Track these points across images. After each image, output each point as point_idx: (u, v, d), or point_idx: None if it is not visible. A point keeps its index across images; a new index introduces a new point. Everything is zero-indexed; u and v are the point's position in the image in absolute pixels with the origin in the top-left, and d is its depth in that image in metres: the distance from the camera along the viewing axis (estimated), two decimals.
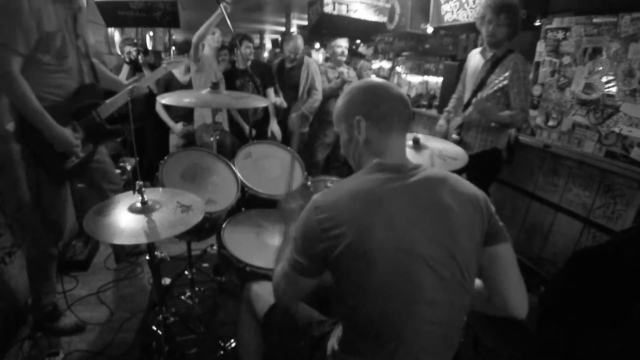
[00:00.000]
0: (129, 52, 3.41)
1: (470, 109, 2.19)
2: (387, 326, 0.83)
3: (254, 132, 2.65)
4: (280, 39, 9.16)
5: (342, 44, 3.42)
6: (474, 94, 2.21)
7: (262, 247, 1.57)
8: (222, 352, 1.69)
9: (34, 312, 1.83)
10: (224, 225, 1.66)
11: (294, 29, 8.59)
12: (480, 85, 2.18)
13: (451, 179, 0.90)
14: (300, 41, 3.27)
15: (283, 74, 3.38)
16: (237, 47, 2.93)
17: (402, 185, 0.86)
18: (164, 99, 1.70)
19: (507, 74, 1.98)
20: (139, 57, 3.40)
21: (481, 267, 0.91)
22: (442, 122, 2.43)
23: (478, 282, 0.96)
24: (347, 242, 0.81)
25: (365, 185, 0.87)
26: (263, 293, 1.23)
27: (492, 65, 2.12)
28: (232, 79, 3.11)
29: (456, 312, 0.88)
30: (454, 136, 2.30)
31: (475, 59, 2.28)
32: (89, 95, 1.60)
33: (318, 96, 3.32)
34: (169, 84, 3.13)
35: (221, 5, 2.17)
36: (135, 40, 3.61)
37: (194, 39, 2.64)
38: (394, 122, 0.92)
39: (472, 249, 0.86)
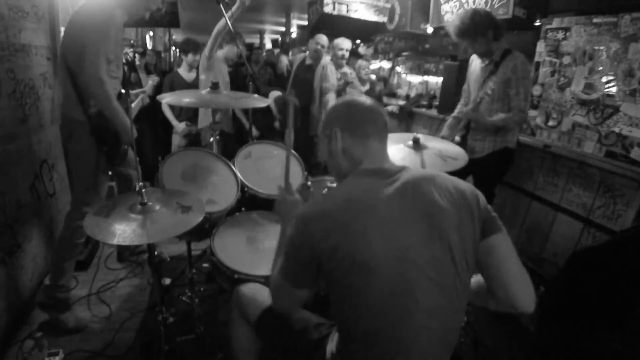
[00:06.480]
0: (125, 53, 3.39)
1: (470, 106, 2.20)
2: (385, 335, 0.82)
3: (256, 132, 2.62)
4: (280, 39, 9.15)
5: (344, 46, 3.31)
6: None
7: (252, 252, 1.56)
8: (222, 352, 1.69)
9: (47, 295, 1.84)
10: (214, 231, 1.65)
11: (294, 29, 8.59)
12: (483, 87, 2.18)
13: (438, 178, 0.90)
14: (324, 39, 3.17)
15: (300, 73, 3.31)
16: (238, 47, 2.90)
17: (393, 189, 0.86)
18: (165, 99, 1.71)
19: (493, 84, 2.06)
20: (136, 58, 3.39)
21: (479, 261, 0.89)
22: (446, 132, 2.41)
23: (479, 277, 0.93)
24: (344, 253, 0.80)
25: (356, 193, 0.87)
26: (254, 296, 1.20)
27: (494, 68, 2.12)
28: (242, 80, 3.07)
29: (453, 314, 0.87)
30: (456, 138, 2.30)
31: (475, 62, 2.30)
32: (124, 102, 1.87)
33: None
34: (173, 82, 3.11)
35: (221, 4, 2.17)
36: (132, 42, 3.60)
37: (216, 29, 2.60)
38: (369, 130, 0.96)
39: (466, 246, 0.85)
